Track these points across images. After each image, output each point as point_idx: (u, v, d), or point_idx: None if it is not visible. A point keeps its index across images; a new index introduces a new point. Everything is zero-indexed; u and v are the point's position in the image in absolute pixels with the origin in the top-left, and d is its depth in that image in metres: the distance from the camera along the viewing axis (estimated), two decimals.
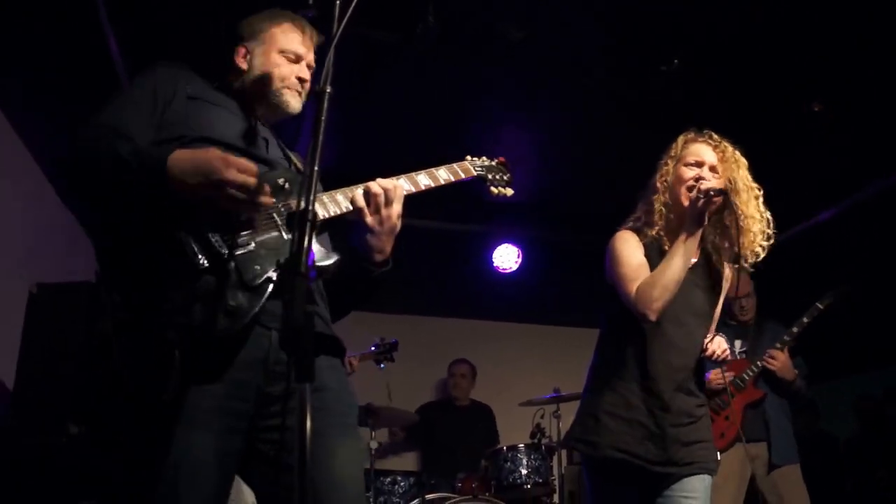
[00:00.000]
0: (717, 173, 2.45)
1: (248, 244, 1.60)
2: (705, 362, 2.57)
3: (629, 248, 2.48)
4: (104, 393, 3.39)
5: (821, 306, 3.87)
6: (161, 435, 1.51)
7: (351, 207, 1.76)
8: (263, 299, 1.57)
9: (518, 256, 6.04)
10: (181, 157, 1.56)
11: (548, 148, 4.75)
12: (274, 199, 1.65)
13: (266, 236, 1.64)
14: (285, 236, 1.66)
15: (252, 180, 1.55)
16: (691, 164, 2.47)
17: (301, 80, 1.92)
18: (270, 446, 1.61)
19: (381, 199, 1.74)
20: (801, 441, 4.17)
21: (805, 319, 3.87)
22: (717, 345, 2.54)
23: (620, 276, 2.43)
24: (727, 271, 2.58)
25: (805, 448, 4.23)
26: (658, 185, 2.53)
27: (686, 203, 2.39)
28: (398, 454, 6.12)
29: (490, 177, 2.10)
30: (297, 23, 1.97)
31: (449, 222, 5.60)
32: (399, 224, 1.80)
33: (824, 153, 4.50)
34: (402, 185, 1.79)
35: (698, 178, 2.42)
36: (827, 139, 4.32)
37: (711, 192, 2.30)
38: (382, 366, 4.87)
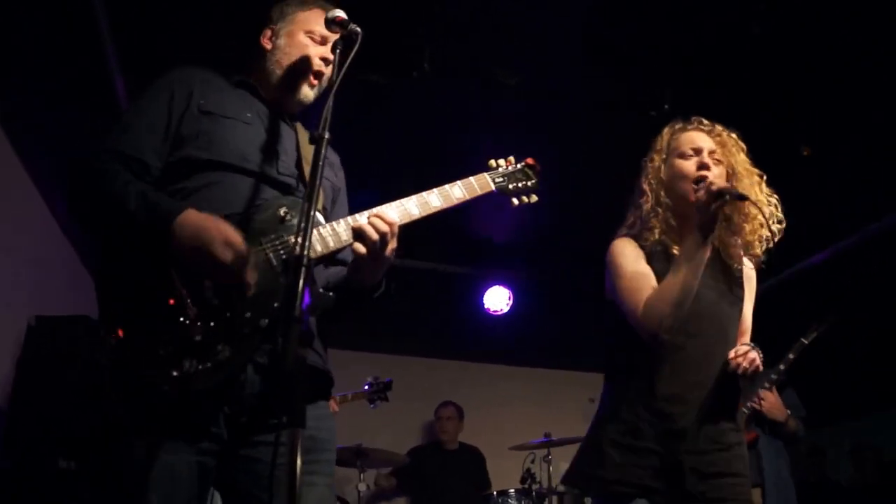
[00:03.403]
0: (718, 159, 2.19)
1: (242, 289, 1.58)
2: (738, 380, 2.15)
3: (629, 258, 2.18)
4: (97, 425, 3.38)
5: (805, 341, 3.76)
6: (136, 451, 1.54)
7: (350, 240, 1.71)
8: (251, 349, 1.58)
9: (509, 298, 6.05)
10: (188, 221, 1.56)
11: (539, 189, 4.81)
12: (255, 279, 1.60)
13: (261, 278, 1.61)
14: (280, 277, 1.63)
15: (237, 263, 1.55)
16: (689, 154, 2.20)
17: (325, 61, 1.90)
18: (245, 476, 1.64)
19: (378, 241, 1.68)
20: (804, 487, 4.06)
21: (791, 356, 3.76)
22: (744, 356, 2.09)
23: (623, 290, 2.14)
24: (748, 270, 2.29)
25: (808, 494, 4.12)
26: (649, 184, 2.25)
27: (693, 199, 2.11)
28: (387, 498, 6.07)
29: (511, 187, 1.95)
30: (326, 8, 1.93)
31: (440, 263, 5.61)
32: (393, 255, 1.73)
33: (814, 197, 4.57)
34: (397, 223, 1.71)
35: (702, 166, 2.15)
36: (816, 183, 4.39)
37: (727, 196, 2.01)
38: (375, 405, 4.86)
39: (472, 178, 1.89)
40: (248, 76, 1.96)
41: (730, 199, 2.02)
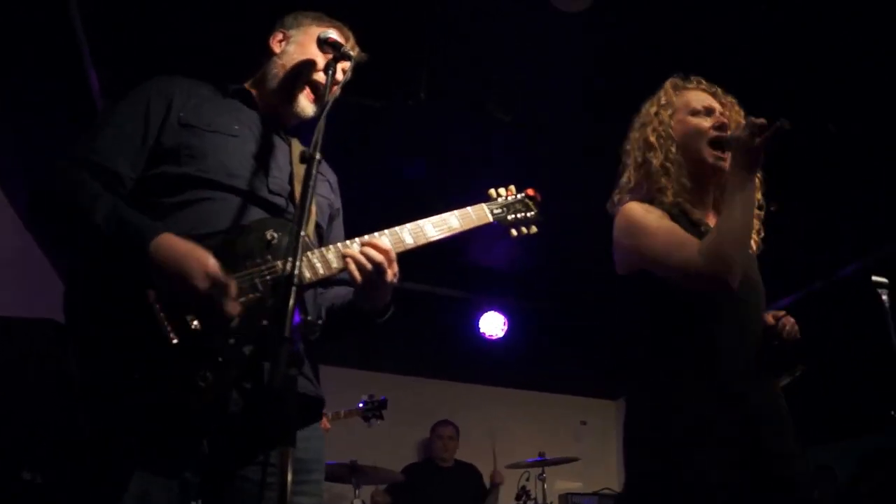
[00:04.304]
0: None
1: (224, 320, 1.48)
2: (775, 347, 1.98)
3: (653, 216, 1.91)
4: (67, 436, 3.22)
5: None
6: (113, 468, 1.47)
7: (341, 267, 1.64)
8: (234, 376, 1.49)
9: (504, 324, 6.13)
10: (165, 247, 1.46)
11: (540, 220, 4.86)
12: (238, 310, 1.50)
13: (245, 304, 1.51)
14: (266, 303, 1.53)
15: (219, 297, 1.45)
16: (700, 112, 2.03)
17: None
18: (232, 495, 1.59)
19: (372, 271, 1.60)
20: None
21: None
22: (789, 318, 1.96)
23: (661, 247, 1.85)
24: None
25: None
26: (658, 137, 2.02)
27: (711, 161, 1.98)
28: None
29: (511, 218, 1.90)
30: (342, 30, 1.93)
31: (436, 286, 5.65)
32: (395, 280, 1.65)
33: (781, 245, 4.70)
34: (391, 250, 1.64)
35: (722, 126, 1.99)
36: (784, 233, 4.53)
37: (787, 125, 1.77)
38: (371, 423, 4.85)
39: (469, 209, 1.84)
40: (245, 84, 1.90)
41: (782, 127, 1.78)
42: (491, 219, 1.88)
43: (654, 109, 2.08)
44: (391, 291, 1.69)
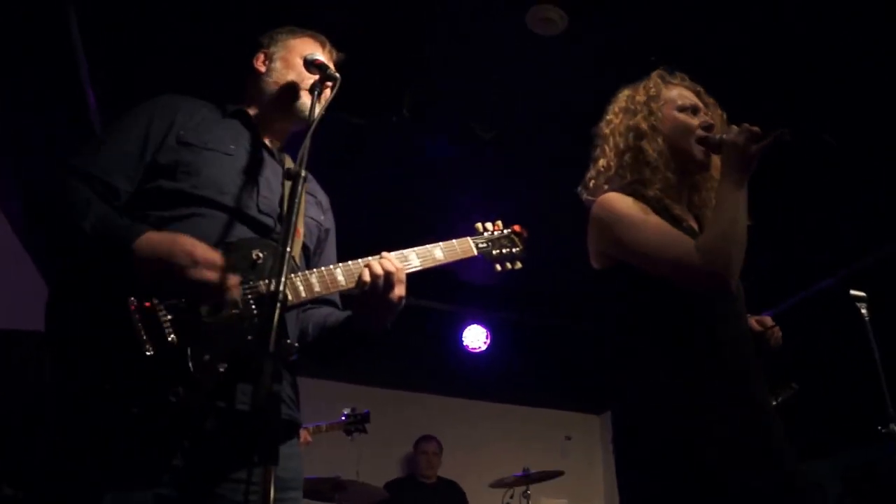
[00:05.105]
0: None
1: (202, 330, 1.50)
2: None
3: (638, 209, 1.85)
4: (48, 451, 3.22)
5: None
6: (88, 485, 1.47)
7: (322, 291, 1.68)
8: (207, 393, 1.50)
9: (486, 337, 6.16)
10: (148, 244, 1.50)
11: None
12: (239, 290, 1.55)
13: (224, 321, 1.53)
14: (244, 322, 1.55)
15: (216, 278, 1.49)
16: (687, 109, 2.00)
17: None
18: None
19: (383, 280, 1.66)
20: None
21: None
22: (776, 327, 1.97)
23: (650, 240, 1.79)
24: None
25: None
26: (651, 127, 1.96)
27: (699, 158, 1.95)
28: None
29: (495, 252, 1.95)
30: (317, 38, 2.01)
31: (419, 299, 5.64)
32: (401, 304, 1.70)
33: (758, 260, 4.79)
34: (402, 271, 1.70)
35: (708, 126, 1.97)
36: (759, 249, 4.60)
37: (787, 136, 1.75)
38: (353, 437, 4.79)
39: (454, 241, 1.89)
40: (242, 105, 1.95)
41: (782, 136, 1.76)
42: (475, 252, 1.92)
43: (641, 98, 2.03)
44: (393, 317, 1.73)
